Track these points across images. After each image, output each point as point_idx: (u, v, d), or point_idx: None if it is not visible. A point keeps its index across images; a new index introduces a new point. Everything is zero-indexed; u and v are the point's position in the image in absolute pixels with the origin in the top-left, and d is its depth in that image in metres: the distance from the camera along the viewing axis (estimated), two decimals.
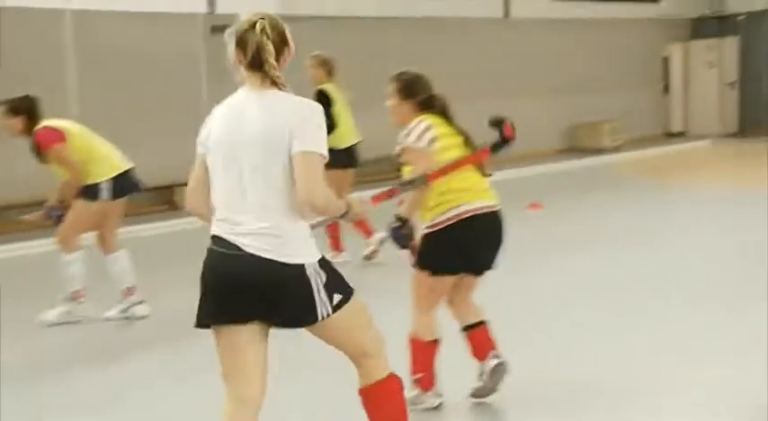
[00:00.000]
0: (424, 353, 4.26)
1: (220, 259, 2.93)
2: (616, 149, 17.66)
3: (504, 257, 4.31)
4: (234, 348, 2.96)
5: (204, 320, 2.98)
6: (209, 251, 2.98)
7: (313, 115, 2.94)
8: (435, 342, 4.30)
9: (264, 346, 3.00)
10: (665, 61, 20.51)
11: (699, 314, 5.91)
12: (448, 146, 4.18)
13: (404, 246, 4.08)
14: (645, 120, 19.41)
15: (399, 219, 4.06)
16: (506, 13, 16.85)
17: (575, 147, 17.96)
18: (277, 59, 2.95)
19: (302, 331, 3.01)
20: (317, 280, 2.90)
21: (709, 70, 20.26)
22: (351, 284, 3.02)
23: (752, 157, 15.88)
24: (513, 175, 14.53)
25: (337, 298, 2.96)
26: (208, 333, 3.00)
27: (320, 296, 2.91)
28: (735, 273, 7.01)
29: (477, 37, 16.44)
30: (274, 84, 2.95)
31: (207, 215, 3.05)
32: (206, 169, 3.02)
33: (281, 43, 2.97)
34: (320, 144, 2.91)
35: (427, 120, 4.22)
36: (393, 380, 3.18)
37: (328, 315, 2.94)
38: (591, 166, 15.88)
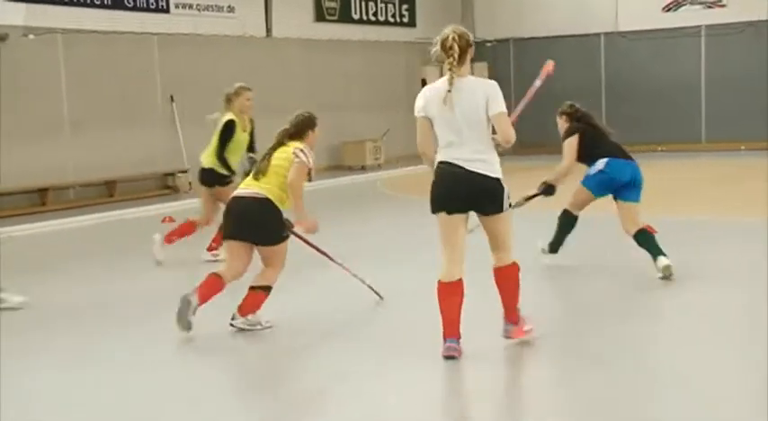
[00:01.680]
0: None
1: (450, 172, 4.86)
2: (378, 167, 18.23)
3: None
4: (453, 228, 4.89)
5: (437, 210, 4.90)
6: (441, 169, 4.90)
7: (495, 89, 4.94)
8: None
9: (465, 227, 4.93)
10: (424, 83, 21.17)
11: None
12: None
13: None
14: (406, 139, 19.55)
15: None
16: (268, 32, 16.98)
17: (339, 164, 18.33)
18: (461, 57, 4.88)
19: None
20: (504, 188, 4.87)
21: None
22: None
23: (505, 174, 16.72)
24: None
25: (508, 202, 4.95)
26: None
27: (504, 197, 4.89)
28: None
29: (241, 55, 16.48)
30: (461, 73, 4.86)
31: (431, 156, 4.95)
32: (429, 127, 4.90)
33: (466, 46, 4.96)
34: (503, 105, 4.90)
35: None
36: (515, 266, 5.10)
37: (503, 210, 4.88)
38: (354, 183, 16.28)
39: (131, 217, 12.50)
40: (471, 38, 4.99)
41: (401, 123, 19.87)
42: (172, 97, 15.28)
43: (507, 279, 5.05)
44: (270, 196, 5.76)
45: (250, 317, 5.77)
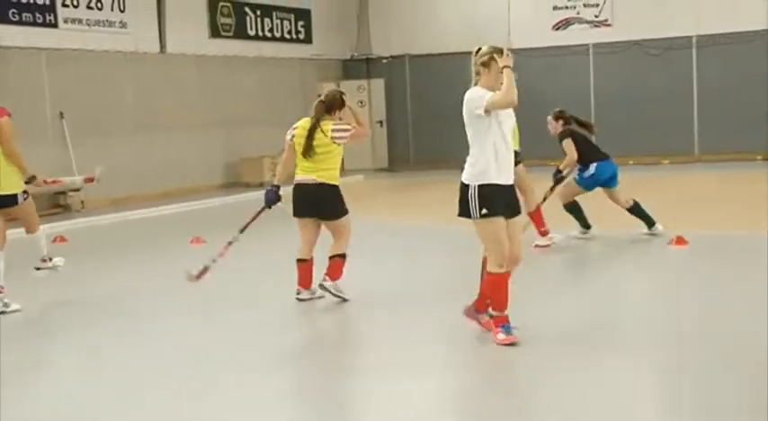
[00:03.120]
0: None
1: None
2: None
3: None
4: (503, 228, 5.35)
5: (492, 213, 5.28)
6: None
7: (468, 95, 5.48)
8: None
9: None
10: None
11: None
12: None
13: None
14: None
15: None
16: (162, 48, 16.78)
17: (236, 181, 18.16)
18: (478, 72, 5.47)
19: None
20: (469, 192, 5.37)
21: (361, 109, 21.43)
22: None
23: (401, 189, 16.95)
24: (173, 211, 14.58)
25: (476, 209, 5.36)
26: None
27: (468, 202, 5.41)
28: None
29: (134, 71, 16.21)
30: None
31: None
32: None
33: (481, 65, 5.51)
34: (482, 101, 5.43)
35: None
36: (492, 275, 5.51)
37: (470, 216, 5.39)
38: (252, 201, 15.99)
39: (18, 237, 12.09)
40: (481, 54, 5.51)
41: None
42: (61, 114, 14.95)
43: (486, 280, 5.59)
44: (328, 181, 6.87)
45: (339, 282, 6.88)
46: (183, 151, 17.19)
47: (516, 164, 6.38)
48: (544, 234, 9.09)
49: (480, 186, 5.25)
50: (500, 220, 5.29)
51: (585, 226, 9.49)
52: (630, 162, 19.00)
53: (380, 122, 21.36)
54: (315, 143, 6.82)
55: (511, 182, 5.38)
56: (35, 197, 7.97)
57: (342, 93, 7.07)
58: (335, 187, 6.87)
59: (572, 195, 9.39)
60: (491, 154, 5.16)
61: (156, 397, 4.89)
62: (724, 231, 9.74)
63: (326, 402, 4.73)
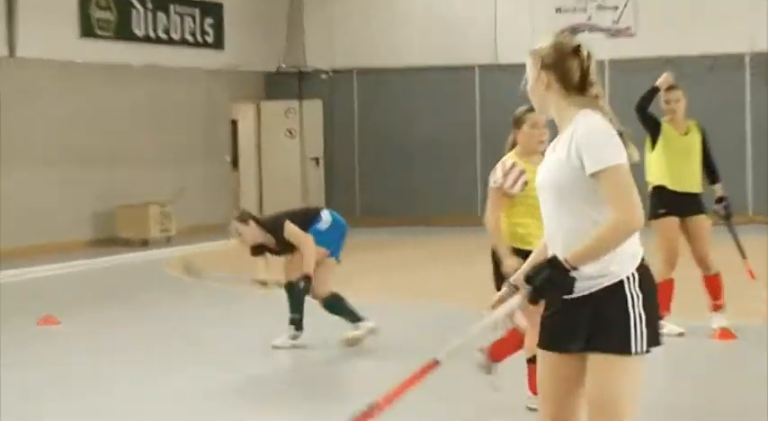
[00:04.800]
0: None
1: None
2: (167, 241, 18.01)
3: None
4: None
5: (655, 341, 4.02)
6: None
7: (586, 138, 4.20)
8: None
9: None
10: (234, 126, 21.42)
11: None
12: None
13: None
14: (207, 203, 19.89)
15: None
16: (11, 51, 16.71)
17: (112, 237, 18.03)
18: (548, 84, 4.23)
19: None
20: None
21: (290, 140, 21.37)
22: None
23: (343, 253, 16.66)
24: (18, 278, 14.40)
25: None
26: None
27: None
28: None
29: None
30: None
31: None
32: None
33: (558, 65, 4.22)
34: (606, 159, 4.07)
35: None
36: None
37: None
38: (132, 264, 16.10)
39: None
40: (558, 47, 4.17)
41: (200, 179, 19.91)
42: None
43: None
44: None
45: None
46: (39, 194, 17.04)
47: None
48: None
49: (641, 276, 4.12)
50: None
51: None
52: None
53: (316, 160, 21.39)
54: None
55: None
56: None
57: None
58: None
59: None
60: None
61: None
62: None
63: None
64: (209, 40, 20.42)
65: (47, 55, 17.20)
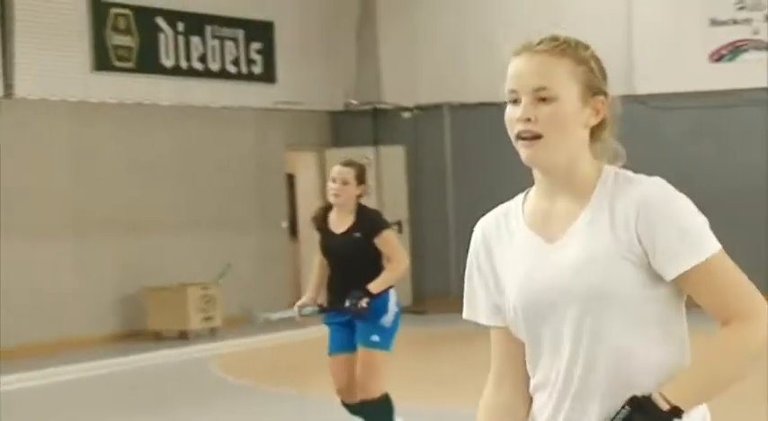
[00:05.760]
0: None
1: None
2: (211, 333, 18.05)
3: None
4: None
5: None
6: None
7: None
8: None
9: None
10: (291, 181, 21.27)
11: None
12: None
13: None
14: (259, 282, 19.77)
15: None
16: (8, 90, 16.80)
17: (140, 330, 18.12)
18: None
19: None
20: None
21: (364, 199, 20.74)
22: None
23: (437, 347, 16.82)
24: (23, 386, 14.62)
25: None
26: None
27: None
28: None
29: None
30: None
31: None
32: None
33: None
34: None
35: None
36: None
37: None
38: (167, 364, 16.16)
39: None
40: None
41: (249, 252, 20.05)
42: None
43: None
44: None
45: None
46: (45, 274, 17.21)
47: None
48: None
49: None
50: None
51: None
52: None
53: (398, 224, 20.74)
54: None
55: None
56: None
57: None
58: None
59: None
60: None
61: None
62: None
63: None
64: (257, 70, 20.35)
65: (52, 94, 17.32)
